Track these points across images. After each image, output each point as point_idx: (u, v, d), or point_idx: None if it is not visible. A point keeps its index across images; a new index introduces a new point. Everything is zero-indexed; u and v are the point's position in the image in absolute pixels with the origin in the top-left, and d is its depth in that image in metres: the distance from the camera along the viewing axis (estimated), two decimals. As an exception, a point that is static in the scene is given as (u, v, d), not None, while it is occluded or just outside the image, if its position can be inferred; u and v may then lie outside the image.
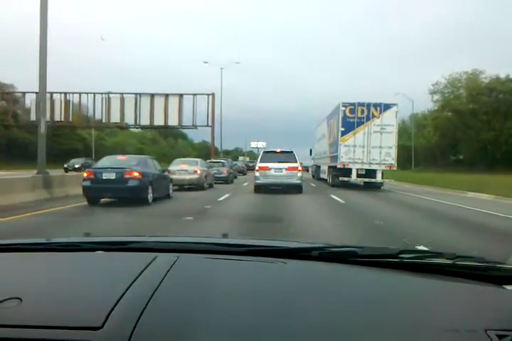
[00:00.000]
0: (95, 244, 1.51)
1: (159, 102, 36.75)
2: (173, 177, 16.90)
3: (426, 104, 60.46)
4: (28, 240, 1.66)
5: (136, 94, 36.88)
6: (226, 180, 25.36)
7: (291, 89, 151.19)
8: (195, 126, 36.90)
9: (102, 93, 36.69)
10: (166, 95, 36.79)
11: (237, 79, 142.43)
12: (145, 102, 36.83)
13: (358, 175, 20.20)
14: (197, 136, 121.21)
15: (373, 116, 19.78)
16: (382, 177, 20.16)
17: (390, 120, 19.67)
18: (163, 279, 1.06)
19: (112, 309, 0.92)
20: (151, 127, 37.83)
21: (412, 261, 1.29)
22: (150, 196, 12.59)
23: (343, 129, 20.10)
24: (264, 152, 19.33)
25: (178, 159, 22.18)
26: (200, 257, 1.31)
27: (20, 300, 0.97)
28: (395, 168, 20.16)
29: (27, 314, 0.94)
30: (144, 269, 1.13)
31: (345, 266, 1.28)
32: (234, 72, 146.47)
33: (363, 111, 19.84)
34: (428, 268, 1.26)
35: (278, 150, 18.55)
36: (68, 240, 1.63)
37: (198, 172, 19.28)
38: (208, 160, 27.76)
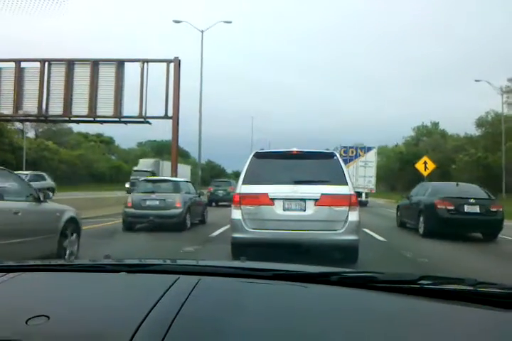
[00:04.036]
0: (118, 266, 1.52)
1: (82, 76, 20.60)
2: None
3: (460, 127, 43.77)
4: (54, 261, 1.84)
5: (42, 60, 20.77)
6: None
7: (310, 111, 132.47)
8: (144, 119, 20.51)
9: (-17, 60, 20.67)
10: (95, 63, 20.59)
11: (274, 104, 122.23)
12: (57, 76, 20.74)
13: None
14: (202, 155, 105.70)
15: (359, 155, 26.54)
16: (366, 197, 26.05)
17: (371, 158, 26.85)
18: (185, 300, 1.08)
19: (138, 328, 0.93)
20: (66, 120, 21.48)
21: (432, 287, 1.26)
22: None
23: None
24: (255, 155, 7.02)
25: None
26: (221, 280, 1.33)
27: (48, 317, 1.00)
28: (374, 191, 27.39)
29: (54, 331, 0.97)
30: (167, 290, 1.14)
31: (364, 291, 1.26)
32: (270, 96, 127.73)
33: (352, 152, 26.65)
34: (448, 294, 1.23)
35: (293, 151, 7.02)
36: (92, 262, 1.63)
37: None
38: None
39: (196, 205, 12.68)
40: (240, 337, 0.95)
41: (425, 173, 27.46)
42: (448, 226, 10.31)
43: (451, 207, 10.41)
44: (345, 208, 6.37)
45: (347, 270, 1.47)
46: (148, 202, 11.49)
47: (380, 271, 1.40)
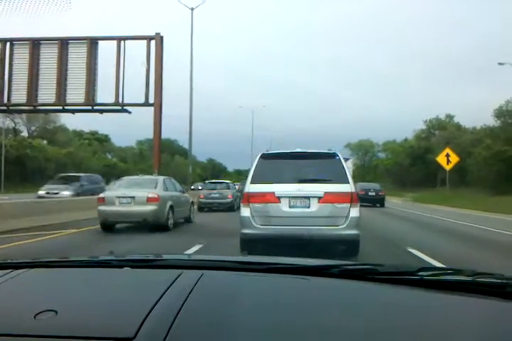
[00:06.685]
0: (122, 262, 1.52)
1: (49, 57, 17.74)
2: (109, 209, 10.44)
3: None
4: (60, 258, 1.72)
5: (3, 40, 17.91)
6: None
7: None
8: (121, 106, 17.63)
9: None
10: (63, 42, 17.72)
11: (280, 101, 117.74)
12: (20, 58, 17.89)
13: None
14: (201, 153, 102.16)
15: None
16: None
17: (349, 165, 33.40)
18: (189, 294, 1.09)
19: (143, 321, 0.95)
20: (31, 109, 18.62)
21: (431, 278, 1.28)
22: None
23: None
24: (262, 156, 7.62)
25: (127, 177, 12.93)
26: (223, 274, 1.34)
27: (56, 312, 1.01)
28: None
29: (62, 325, 0.98)
30: (171, 284, 1.16)
31: (365, 283, 1.27)
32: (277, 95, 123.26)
33: None
34: (447, 285, 1.25)
35: (297, 152, 7.76)
36: (97, 258, 1.64)
37: (156, 200, 10.61)
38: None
39: (238, 197, 17.92)
40: (243, 330, 0.97)
41: (448, 167, 24.55)
42: (362, 201, 22.17)
43: (364, 193, 22.94)
44: (347, 205, 6.93)
45: (347, 262, 1.51)
46: (212, 195, 18.96)
47: (379, 263, 1.44)
